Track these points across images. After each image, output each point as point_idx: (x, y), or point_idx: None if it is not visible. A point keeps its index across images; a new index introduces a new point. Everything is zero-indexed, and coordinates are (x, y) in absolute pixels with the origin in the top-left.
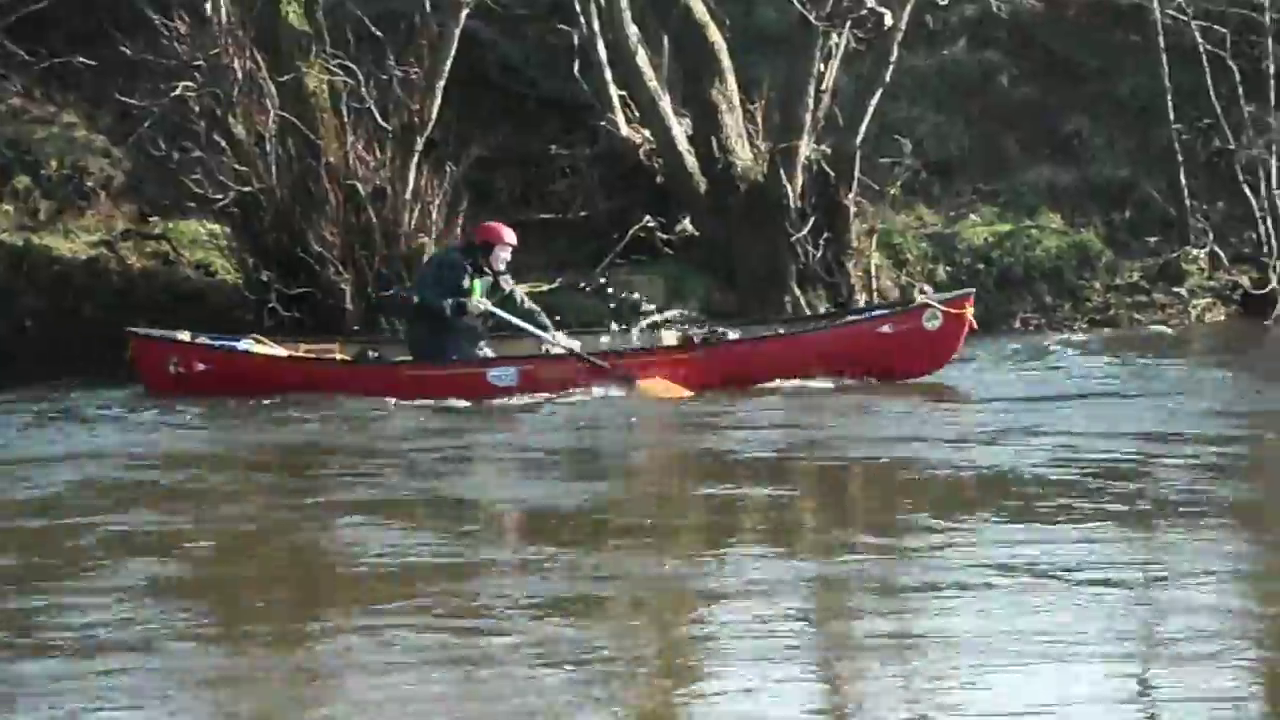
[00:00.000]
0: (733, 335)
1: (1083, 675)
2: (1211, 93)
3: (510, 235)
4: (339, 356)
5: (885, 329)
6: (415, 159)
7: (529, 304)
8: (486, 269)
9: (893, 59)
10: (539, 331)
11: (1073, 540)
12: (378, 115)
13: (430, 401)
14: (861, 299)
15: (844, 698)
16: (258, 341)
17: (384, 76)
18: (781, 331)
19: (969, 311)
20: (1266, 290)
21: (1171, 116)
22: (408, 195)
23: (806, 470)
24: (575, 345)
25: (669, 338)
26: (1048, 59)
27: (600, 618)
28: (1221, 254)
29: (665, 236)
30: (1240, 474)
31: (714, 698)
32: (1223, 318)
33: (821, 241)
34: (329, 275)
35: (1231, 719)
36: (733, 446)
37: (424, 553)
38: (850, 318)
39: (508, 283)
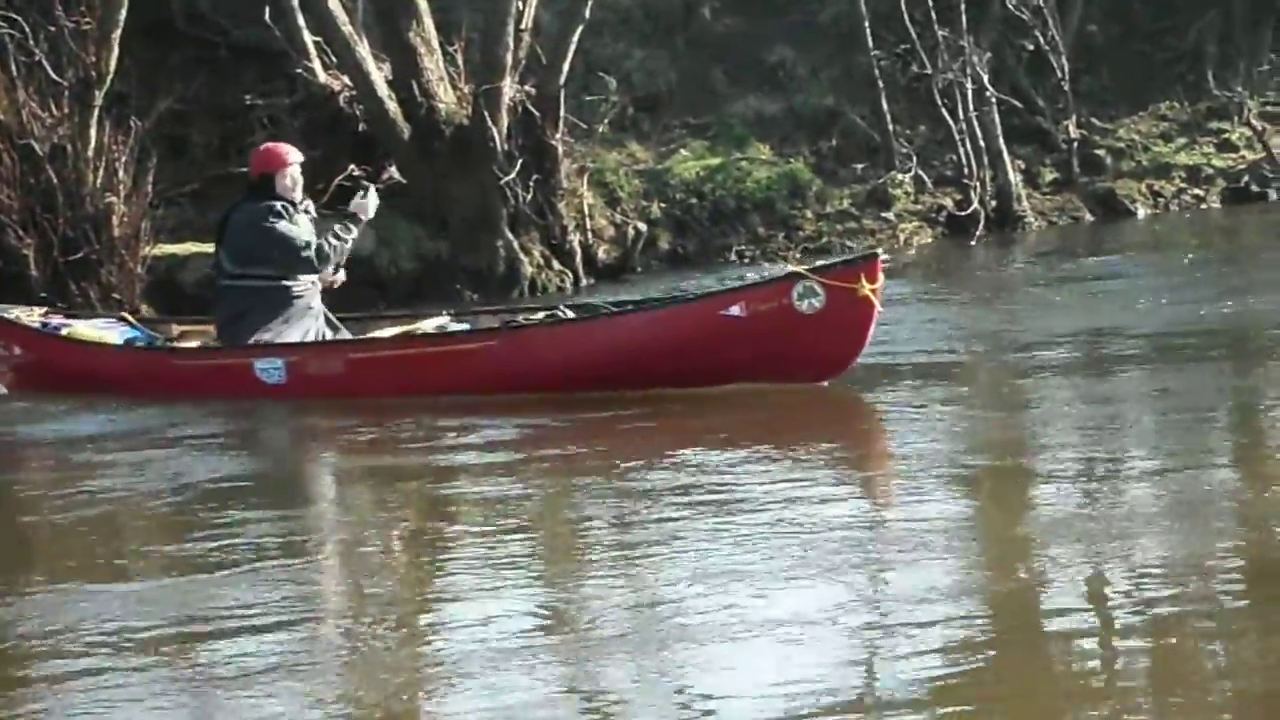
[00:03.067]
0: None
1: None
2: (907, 18)
3: (291, 152)
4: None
5: (733, 311)
6: (96, 114)
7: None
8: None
9: None
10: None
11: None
12: (50, 70)
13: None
14: (575, 239)
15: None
16: (122, 320)
17: (53, 28)
18: (570, 315)
19: (868, 287)
20: (969, 211)
21: (870, 43)
22: (90, 153)
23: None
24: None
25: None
26: None
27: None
28: (925, 177)
29: (372, 185)
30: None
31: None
32: (930, 240)
33: (531, 183)
34: (9, 240)
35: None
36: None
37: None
38: (687, 296)
39: (310, 209)
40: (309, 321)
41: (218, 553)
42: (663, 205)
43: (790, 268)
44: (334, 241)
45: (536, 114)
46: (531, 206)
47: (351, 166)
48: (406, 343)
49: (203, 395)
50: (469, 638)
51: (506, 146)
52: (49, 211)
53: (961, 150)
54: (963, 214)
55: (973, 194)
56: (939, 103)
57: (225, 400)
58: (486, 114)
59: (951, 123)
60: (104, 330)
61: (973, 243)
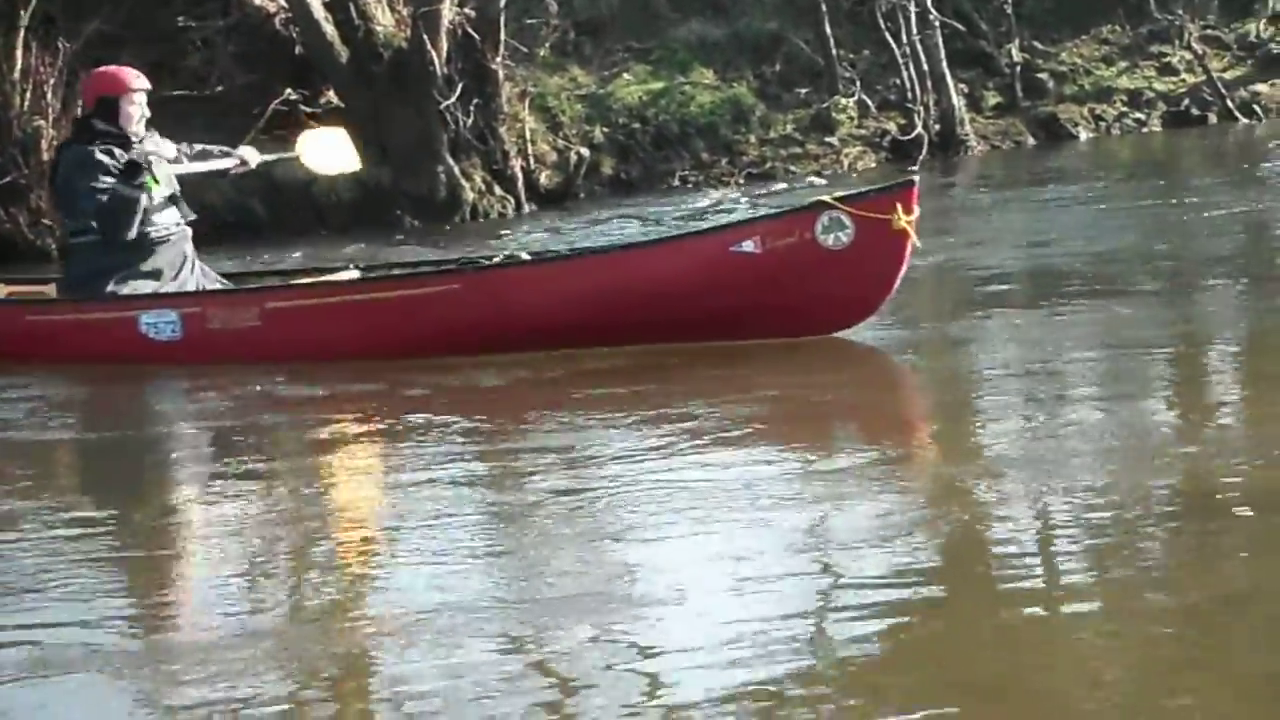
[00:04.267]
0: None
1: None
2: None
3: (133, 77)
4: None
5: (746, 246)
6: (22, 36)
7: (202, 148)
8: (123, 142)
9: None
10: (222, 161)
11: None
12: None
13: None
14: (517, 165)
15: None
16: None
17: None
18: (525, 257)
19: (905, 219)
20: (912, 136)
21: None
22: (16, 75)
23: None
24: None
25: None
26: None
27: None
28: (869, 102)
29: (309, 110)
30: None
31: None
32: (874, 165)
33: (472, 108)
34: None
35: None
36: None
37: None
38: (691, 231)
39: (164, 145)
40: (184, 275)
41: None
42: (605, 130)
43: (818, 197)
44: (125, 190)
45: (476, 37)
46: (472, 131)
47: (288, 91)
48: (341, 289)
49: (68, 357)
50: (414, 601)
51: (446, 70)
52: None
53: (905, 74)
54: (906, 138)
55: (916, 118)
56: (882, 26)
57: (99, 362)
58: (425, 37)
59: (895, 46)
60: None
61: (915, 167)
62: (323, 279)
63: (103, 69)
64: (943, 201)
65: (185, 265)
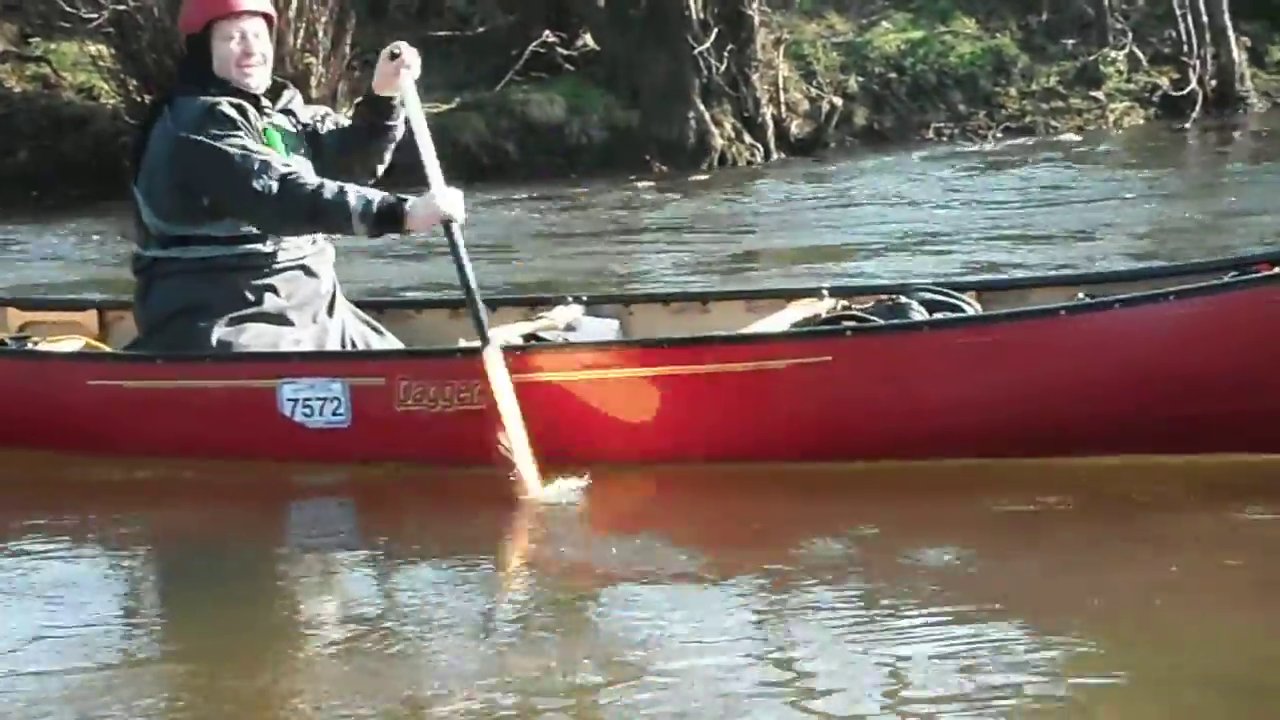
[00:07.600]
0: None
1: None
2: None
3: None
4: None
5: None
6: None
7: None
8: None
9: None
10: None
11: None
12: None
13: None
14: (768, 112)
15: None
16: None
17: None
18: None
19: None
20: (1186, 91)
21: None
22: (291, 13)
23: None
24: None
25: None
26: None
27: None
28: (1140, 55)
29: (566, 52)
30: None
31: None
32: (1141, 121)
33: (726, 54)
34: None
35: None
36: None
37: None
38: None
39: (301, 113)
40: (323, 318)
41: None
42: (860, 79)
43: None
44: (331, 197)
45: None
46: (724, 78)
47: (546, 33)
48: (621, 352)
49: (158, 449)
50: None
51: (702, 15)
52: None
53: (1181, 26)
54: (1179, 94)
55: (1191, 73)
56: None
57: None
58: None
59: None
60: None
61: (1187, 125)
62: (587, 341)
63: None
64: (1215, 161)
65: (316, 300)
